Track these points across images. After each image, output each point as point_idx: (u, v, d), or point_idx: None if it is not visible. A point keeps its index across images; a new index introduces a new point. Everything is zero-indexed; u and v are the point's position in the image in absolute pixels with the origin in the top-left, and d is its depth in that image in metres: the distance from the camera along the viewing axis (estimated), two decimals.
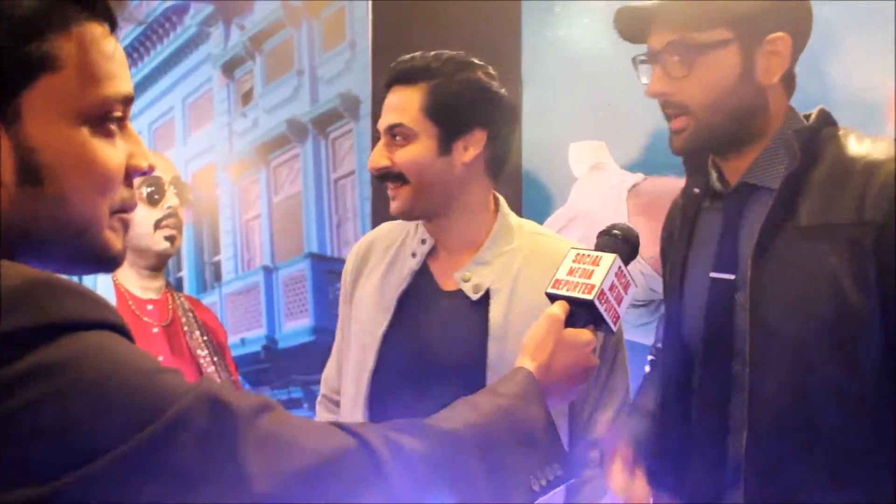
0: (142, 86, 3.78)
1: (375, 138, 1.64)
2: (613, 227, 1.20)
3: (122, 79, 0.78)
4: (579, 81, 2.45)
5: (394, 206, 1.59)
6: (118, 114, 0.78)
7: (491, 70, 1.61)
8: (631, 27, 1.38)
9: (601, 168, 2.46)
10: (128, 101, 0.79)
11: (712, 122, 1.33)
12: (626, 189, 2.44)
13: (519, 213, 2.47)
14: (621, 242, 1.18)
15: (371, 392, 1.61)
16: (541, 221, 2.57)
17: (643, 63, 1.38)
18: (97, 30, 0.77)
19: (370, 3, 2.82)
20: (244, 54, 3.42)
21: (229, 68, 3.49)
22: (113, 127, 0.78)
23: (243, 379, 2.60)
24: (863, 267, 1.22)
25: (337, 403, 1.77)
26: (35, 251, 0.76)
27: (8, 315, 0.65)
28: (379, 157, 1.57)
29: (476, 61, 1.60)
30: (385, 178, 1.59)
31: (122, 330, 0.72)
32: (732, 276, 1.34)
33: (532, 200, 2.59)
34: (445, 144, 1.55)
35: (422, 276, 1.63)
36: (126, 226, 0.82)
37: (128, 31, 3.69)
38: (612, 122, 2.37)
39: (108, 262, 0.80)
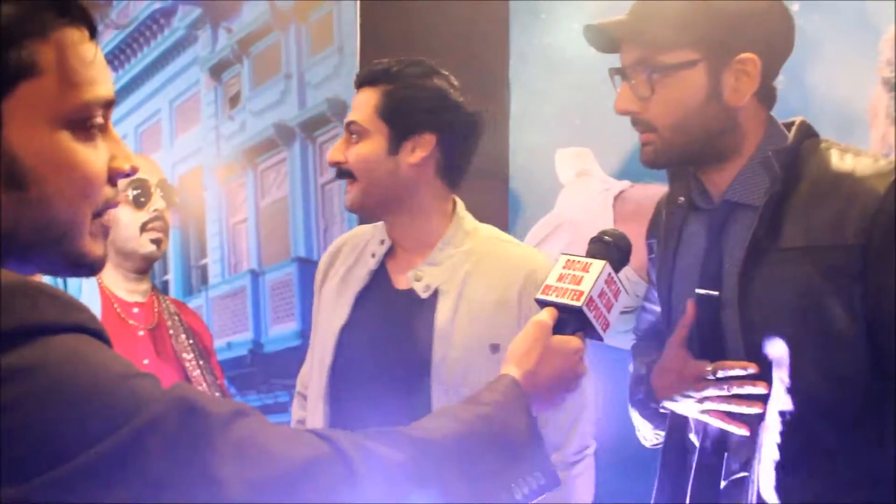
0: (129, 88, 3.76)
1: None
2: (605, 233, 1.18)
3: (102, 83, 0.79)
4: (566, 87, 2.45)
5: (346, 200, 1.67)
6: (99, 119, 0.79)
7: (454, 80, 1.66)
8: (601, 42, 1.36)
9: (587, 175, 2.47)
10: (109, 104, 0.80)
11: (679, 142, 1.31)
12: (613, 196, 2.44)
13: (505, 218, 2.47)
14: (612, 249, 1.17)
15: (330, 386, 1.67)
16: (527, 227, 2.58)
17: (616, 75, 1.36)
18: (76, 35, 0.78)
19: (358, 7, 2.82)
20: (232, 57, 3.41)
21: (217, 71, 3.47)
22: (94, 130, 0.79)
23: (229, 383, 2.59)
24: (847, 290, 1.22)
25: None
26: (17, 255, 0.76)
27: None
28: (335, 153, 1.65)
29: (440, 70, 1.65)
30: (339, 174, 1.66)
31: (97, 333, 0.73)
32: (717, 293, 1.34)
33: (518, 206, 2.60)
34: (394, 145, 1.60)
35: (379, 276, 1.69)
36: (107, 231, 0.82)
37: (115, 34, 3.67)
38: (599, 128, 2.38)
39: (87, 267, 0.81)
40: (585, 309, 1.09)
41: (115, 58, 3.69)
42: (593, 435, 1.64)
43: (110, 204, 0.81)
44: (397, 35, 2.72)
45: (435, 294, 1.61)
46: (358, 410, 1.63)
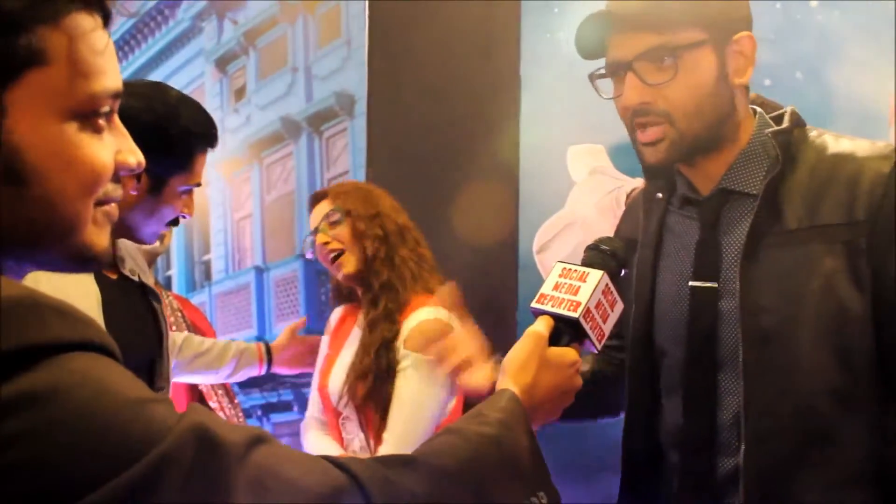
0: (133, 79, 3.73)
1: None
2: (602, 241, 1.19)
3: (111, 74, 0.75)
4: (579, 84, 2.41)
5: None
6: (107, 109, 0.75)
7: None
8: (595, 39, 1.33)
9: (600, 172, 2.43)
10: (117, 96, 0.76)
11: (693, 130, 1.29)
12: (626, 194, 2.41)
13: (514, 216, 2.43)
14: (609, 258, 1.17)
15: None
16: (538, 224, 2.54)
17: (603, 77, 1.34)
18: (88, 22, 0.73)
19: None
20: (238, 50, 3.38)
21: (222, 64, 3.44)
22: (101, 122, 0.75)
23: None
24: (858, 266, 1.23)
25: None
26: (15, 254, 0.73)
27: None
28: None
29: None
30: None
31: (107, 350, 0.68)
32: (715, 285, 1.32)
33: (529, 203, 2.56)
34: None
35: None
36: (111, 218, 0.78)
37: (119, 24, 3.64)
38: (611, 126, 2.34)
39: (92, 261, 0.77)
40: (582, 320, 1.09)
41: (119, 49, 3.66)
42: None
43: (111, 197, 0.78)
44: (406, 28, 2.68)
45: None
46: None
